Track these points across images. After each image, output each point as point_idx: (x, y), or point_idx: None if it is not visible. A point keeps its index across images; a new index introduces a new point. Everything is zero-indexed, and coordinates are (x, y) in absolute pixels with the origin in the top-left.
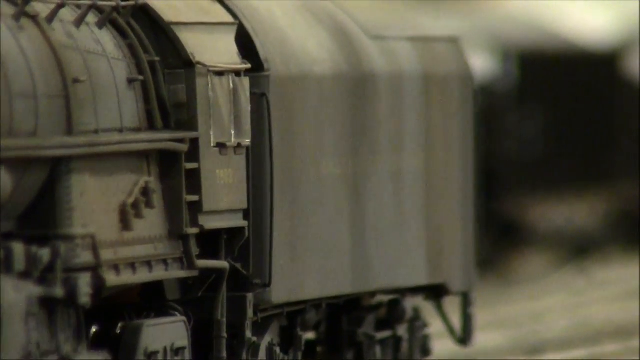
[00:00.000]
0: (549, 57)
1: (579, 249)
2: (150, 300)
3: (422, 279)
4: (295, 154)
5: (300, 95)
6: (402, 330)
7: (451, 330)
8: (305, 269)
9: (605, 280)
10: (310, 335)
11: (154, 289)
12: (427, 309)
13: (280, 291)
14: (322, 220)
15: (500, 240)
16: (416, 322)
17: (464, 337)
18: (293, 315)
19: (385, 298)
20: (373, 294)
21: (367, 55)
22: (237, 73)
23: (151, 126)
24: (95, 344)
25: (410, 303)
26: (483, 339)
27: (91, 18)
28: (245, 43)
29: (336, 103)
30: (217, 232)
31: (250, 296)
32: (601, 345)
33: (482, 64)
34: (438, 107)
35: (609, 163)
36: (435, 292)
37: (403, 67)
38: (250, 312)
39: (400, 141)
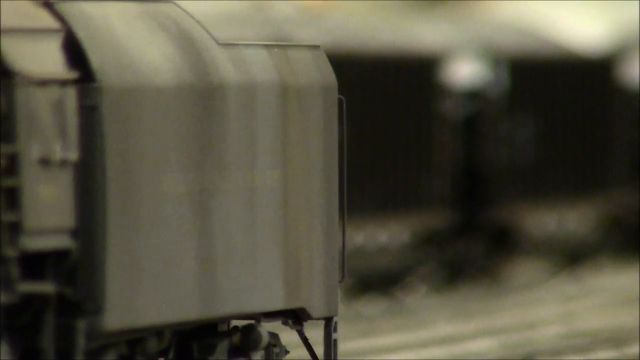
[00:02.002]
0: (540, 64)
1: (572, 256)
2: None
3: (278, 303)
4: (133, 169)
5: (138, 108)
6: (257, 357)
7: (314, 357)
8: (145, 293)
9: (598, 287)
10: None
11: None
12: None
13: (116, 317)
14: (163, 241)
15: (492, 247)
16: (274, 348)
17: None
18: (136, 343)
19: (241, 323)
20: (228, 319)
21: (216, 64)
22: (63, 83)
23: None
24: None
25: (283, 329)
26: (476, 346)
27: None
28: (76, 51)
29: (179, 115)
30: (43, 254)
31: (80, 324)
32: (594, 352)
33: (473, 70)
34: (297, 119)
35: (601, 170)
36: (295, 317)
37: (257, 77)
38: (80, 341)
39: (252, 156)
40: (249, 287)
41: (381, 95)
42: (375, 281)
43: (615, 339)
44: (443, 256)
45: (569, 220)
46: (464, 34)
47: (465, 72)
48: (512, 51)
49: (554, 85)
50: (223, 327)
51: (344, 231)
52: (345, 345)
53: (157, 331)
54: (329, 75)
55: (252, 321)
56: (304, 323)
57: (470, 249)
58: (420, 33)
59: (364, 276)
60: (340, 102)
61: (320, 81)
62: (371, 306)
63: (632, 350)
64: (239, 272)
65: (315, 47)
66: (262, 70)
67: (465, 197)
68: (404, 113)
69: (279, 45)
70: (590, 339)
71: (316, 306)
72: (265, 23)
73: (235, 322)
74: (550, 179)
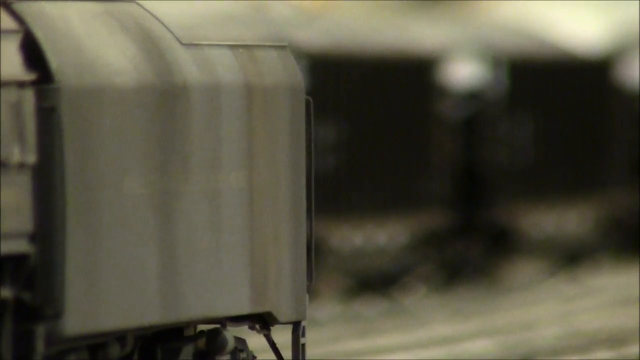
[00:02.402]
0: (539, 65)
1: (570, 257)
2: None
3: (244, 308)
4: (93, 172)
5: (98, 109)
6: None
7: None
8: (105, 297)
9: (597, 287)
10: None
11: None
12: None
13: (75, 322)
14: (125, 244)
15: (491, 247)
16: (241, 353)
17: None
18: (97, 347)
19: (208, 328)
20: (193, 323)
21: (179, 64)
22: (21, 85)
23: None
24: None
25: (253, 333)
26: (474, 346)
27: None
28: (35, 52)
29: (141, 117)
30: (1, 259)
31: (40, 329)
32: (593, 352)
33: (472, 71)
34: (263, 120)
35: (599, 170)
36: (262, 321)
37: (221, 78)
38: (40, 346)
39: (217, 158)
40: (213, 291)
41: (380, 96)
42: (373, 282)
43: (613, 340)
44: (442, 257)
45: (567, 220)
46: (463, 35)
47: (464, 73)
48: (510, 52)
49: (553, 86)
50: (189, 332)
51: (311, 233)
52: (343, 345)
53: (119, 336)
54: (296, 76)
55: (218, 325)
56: (272, 327)
57: (469, 250)
58: (419, 34)
59: (363, 277)
60: (307, 103)
61: (287, 82)
62: (370, 306)
63: (631, 350)
64: (204, 275)
65: (282, 47)
66: (227, 71)
67: (464, 197)
68: (403, 114)
69: (245, 46)
70: (589, 339)
71: (283, 310)
72: (264, 24)
73: (201, 327)
74: (548, 180)
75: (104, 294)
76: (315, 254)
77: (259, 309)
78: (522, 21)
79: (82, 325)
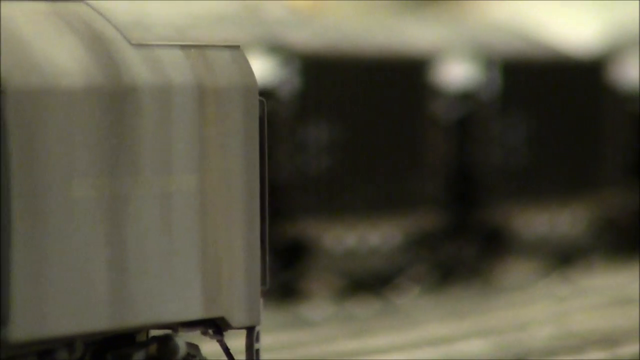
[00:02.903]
0: (532, 65)
1: (563, 257)
2: None
3: (196, 313)
4: (40, 175)
5: (45, 111)
6: None
7: None
8: (53, 302)
9: (590, 288)
10: None
11: None
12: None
13: (22, 328)
14: (73, 248)
15: (484, 248)
16: (193, 358)
17: None
18: (45, 354)
19: (160, 333)
20: (143, 329)
21: (128, 65)
22: None
23: None
24: None
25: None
26: (468, 346)
27: None
28: None
29: (89, 119)
30: None
31: None
32: (586, 353)
33: (465, 72)
34: (215, 122)
35: (593, 171)
36: (215, 327)
37: (172, 79)
38: None
39: (168, 161)
40: (164, 296)
41: (373, 96)
42: (367, 282)
43: (607, 340)
44: (435, 257)
45: (560, 221)
46: (456, 36)
47: (457, 73)
48: (503, 53)
49: (546, 87)
50: (141, 338)
51: (266, 237)
52: (337, 346)
53: (68, 342)
54: (250, 77)
55: (169, 331)
56: (225, 333)
57: (463, 250)
58: (412, 34)
59: (356, 277)
60: (261, 104)
61: (240, 83)
62: (363, 307)
63: (624, 351)
64: (154, 280)
65: (235, 47)
66: (177, 72)
67: (457, 198)
68: (396, 114)
69: (196, 46)
70: (582, 339)
71: (237, 315)
72: (256, 24)
73: (154, 332)
74: (542, 181)
75: (51, 299)
76: (308, 254)
77: (211, 314)
78: (515, 22)
79: (29, 331)
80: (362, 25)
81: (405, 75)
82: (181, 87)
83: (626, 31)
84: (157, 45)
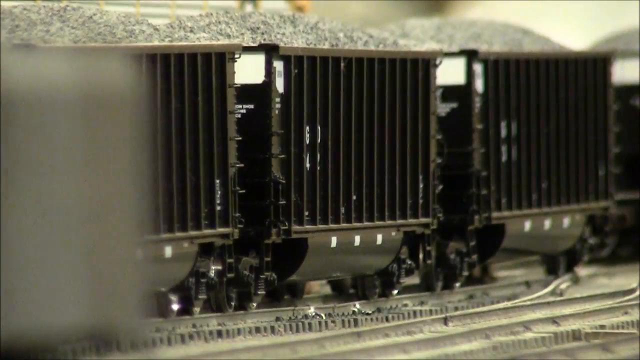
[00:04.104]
0: (528, 63)
1: (562, 258)
2: None
3: (80, 319)
4: None
5: None
6: None
7: None
8: None
9: (591, 287)
10: None
11: None
12: None
13: None
14: None
15: (482, 247)
16: None
17: None
18: None
19: None
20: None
21: (6, 67)
22: None
23: None
24: None
25: None
26: (465, 346)
27: None
28: None
29: None
30: None
31: None
32: (586, 354)
33: (459, 69)
34: (97, 125)
35: (593, 170)
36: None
37: (55, 82)
38: None
39: (51, 167)
40: (45, 302)
41: (370, 93)
42: (364, 281)
43: (607, 341)
44: (432, 257)
45: (561, 221)
46: (452, 32)
47: (452, 70)
48: (499, 50)
49: (541, 85)
50: None
51: (148, 241)
52: (334, 345)
53: None
54: (132, 80)
55: None
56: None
57: (460, 250)
58: (408, 31)
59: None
60: (142, 106)
61: (122, 86)
62: (360, 306)
63: (622, 352)
64: (34, 286)
65: (120, 48)
66: (61, 75)
67: (455, 197)
68: (392, 111)
69: (79, 48)
70: (579, 341)
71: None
72: (252, 21)
73: None
74: (541, 180)
75: None
76: (307, 254)
77: (96, 321)
78: (508, 20)
79: None
80: (357, 23)
81: (401, 72)
82: (62, 90)
83: (619, 34)
84: (39, 47)
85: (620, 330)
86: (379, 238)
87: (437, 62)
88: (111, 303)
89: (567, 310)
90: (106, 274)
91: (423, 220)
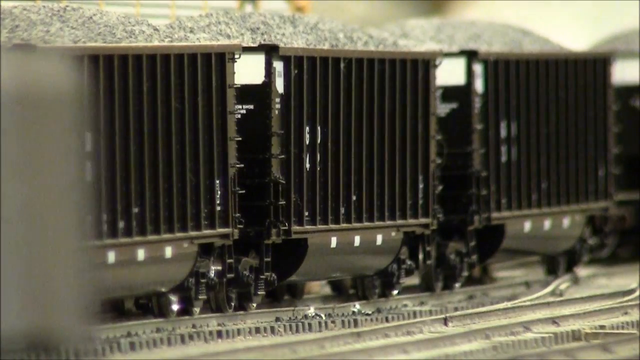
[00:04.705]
0: (527, 63)
1: (562, 258)
2: None
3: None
4: None
5: None
6: None
7: None
8: None
9: (588, 289)
10: None
11: None
12: None
13: None
14: None
15: (482, 248)
16: None
17: None
18: None
19: None
20: None
21: None
22: None
23: None
24: None
25: None
26: (465, 346)
27: None
28: None
29: None
30: None
31: None
32: (586, 354)
33: (459, 69)
34: (38, 127)
35: (593, 171)
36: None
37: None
38: None
39: None
40: None
41: (369, 93)
42: (364, 281)
43: (607, 341)
44: (432, 257)
45: (561, 222)
46: (452, 33)
47: (452, 70)
48: (499, 51)
49: (541, 85)
50: None
51: (92, 247)
52: (334, 346)
53: None
54: (74, 80)
55: None
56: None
57: (460, 250)
58: (408, 31)
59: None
60: (85, 107)
61: (64, 86)
62: (360, 306)
63: (622, 352)
64: None
65: (59, 48)
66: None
67: (455, 197)
68: (392, 112)
69: (19, 46)
70: (579, 341)
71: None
72: (252, 22)
73: None
74: (541, 180)
75: None
76: (307, 254)
77: (37, 325)
78: (508, 21)
79: None
80: (358, 23)
81: (401, 72)
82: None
83: (617, 35)
84: None
85: (620, 331)
86: (379, 238)
87: (437, 62)
88: (51, 310)
89: (567, 310)
90: (46, 280)
91: (423, 220)
